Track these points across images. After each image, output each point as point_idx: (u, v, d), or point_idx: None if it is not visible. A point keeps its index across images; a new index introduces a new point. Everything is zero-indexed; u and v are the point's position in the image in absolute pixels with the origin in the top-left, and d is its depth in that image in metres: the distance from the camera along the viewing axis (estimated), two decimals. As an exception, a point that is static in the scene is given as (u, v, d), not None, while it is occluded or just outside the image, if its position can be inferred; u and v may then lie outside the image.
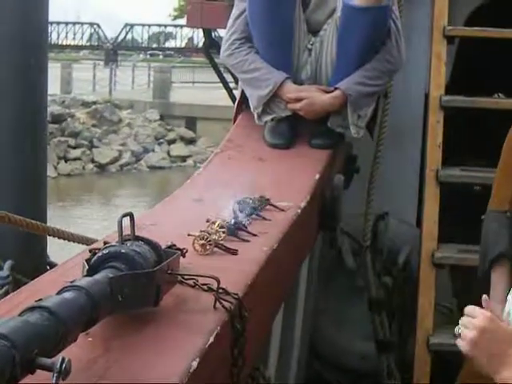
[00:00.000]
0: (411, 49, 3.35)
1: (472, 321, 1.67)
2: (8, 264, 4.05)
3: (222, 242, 1.68)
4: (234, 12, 3.07)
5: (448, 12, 3.53)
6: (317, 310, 3.67)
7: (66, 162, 22.59)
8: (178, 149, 24.65)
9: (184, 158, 24.37)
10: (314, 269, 3.19)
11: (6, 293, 3.72)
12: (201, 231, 1.67)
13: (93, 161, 23.13)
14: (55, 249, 4.64)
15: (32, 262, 4.29)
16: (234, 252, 1.67)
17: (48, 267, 4.28)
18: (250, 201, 2.06)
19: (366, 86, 2.94)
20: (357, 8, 2.84)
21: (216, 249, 1.66)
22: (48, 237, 4.33)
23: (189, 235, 1.65)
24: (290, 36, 2.95)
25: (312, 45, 3.02)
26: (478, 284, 2.62)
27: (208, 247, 1.65)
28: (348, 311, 3.84)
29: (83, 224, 13.56)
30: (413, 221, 3.96)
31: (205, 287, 1.36)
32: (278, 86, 2.93)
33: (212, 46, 6.12)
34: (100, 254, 1.23)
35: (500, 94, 4.14)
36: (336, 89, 2.92)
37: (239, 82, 3.17)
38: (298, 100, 2.93)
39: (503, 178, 2.55)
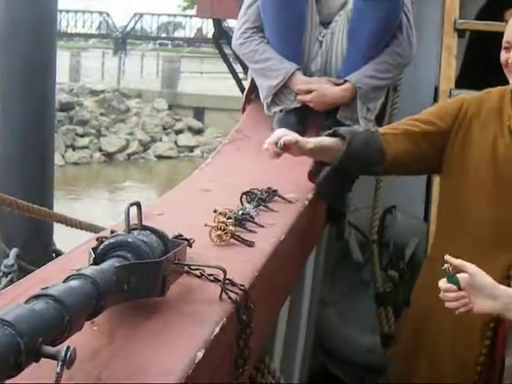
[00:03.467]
0: (422, 42, 3.33)
1: None
2: (14, 252, 4.05)
3: (238, 234, 1.67)
4: (247, 1, 3.05)
5: (459, 5, 3.51)
6: (323, 302, 3.66)
7: (73, 150, 22.59)
8: (186, 139, 24.63)
9: (191, 148, 24.35)
10: (320, 261, 3.18)
11: (11, 281, 3.72)
12: (218, 222, 1.66)
13: (100, 149, 23.12)
14: (62, 236, 4.64)
15: (38, 249, 4.30)
16: (250, 244, 1.66)
17: (54, 255, 4.29)
18: (258, 192, 2.05)
19: (376, 79, 2.92)
20: (369, 0, 2.82)
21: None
22: (54, 225, 4.34)
23: (206, 225, 1.64)
24: (301, 27, 2.94)
25: (323, 37, 3.00)
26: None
27: (225, 238, 1.64)
28: (354, 304, 3.83)
29: (90, 212, 13.56)
30: (420, 215, 3.95)
31: (211, 278, 1.35)
32: (288, 77, 2.91)
33: (221, 36, 6.11)
34: (107, 242, 1.22)
35: None
36: (346, 81, 2.91)
37: (249, 72, 3.15)
38: (308, 92, 2.92)
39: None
